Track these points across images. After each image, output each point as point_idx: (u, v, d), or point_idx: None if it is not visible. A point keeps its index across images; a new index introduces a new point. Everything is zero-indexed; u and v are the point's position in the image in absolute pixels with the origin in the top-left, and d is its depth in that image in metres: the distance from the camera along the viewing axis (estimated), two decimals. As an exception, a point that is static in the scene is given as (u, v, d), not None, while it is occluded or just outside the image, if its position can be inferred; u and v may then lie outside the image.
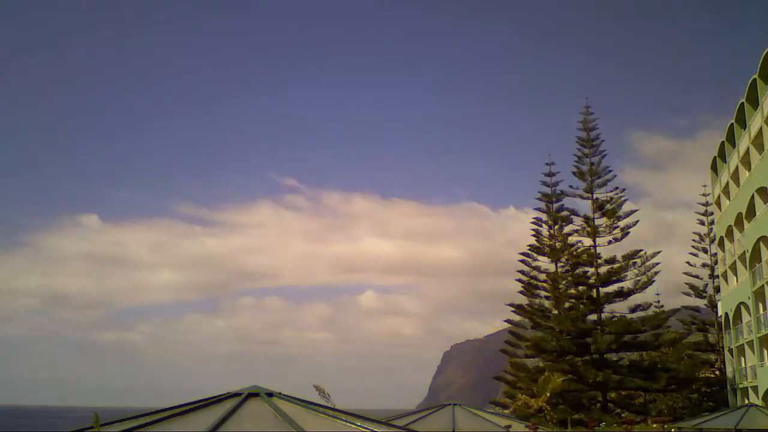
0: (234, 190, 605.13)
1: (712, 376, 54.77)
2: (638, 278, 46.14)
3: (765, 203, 39.45)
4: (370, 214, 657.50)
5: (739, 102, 43.81)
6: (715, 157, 52.39)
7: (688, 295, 57.78)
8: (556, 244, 48.55)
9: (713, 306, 56.53)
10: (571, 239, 48.45)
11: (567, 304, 47.02)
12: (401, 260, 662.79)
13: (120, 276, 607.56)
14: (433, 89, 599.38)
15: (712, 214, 56.12)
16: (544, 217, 49.66)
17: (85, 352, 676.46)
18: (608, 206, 47.75)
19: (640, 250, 46.47)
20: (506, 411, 37.16)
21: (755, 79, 39.66)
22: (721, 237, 51.28)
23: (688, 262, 57.93)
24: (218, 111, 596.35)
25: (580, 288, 47.37)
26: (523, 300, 48.80)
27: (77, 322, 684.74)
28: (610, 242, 47.70)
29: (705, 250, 57.62)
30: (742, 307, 45.24)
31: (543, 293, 48.30)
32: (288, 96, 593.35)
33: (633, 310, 46.53)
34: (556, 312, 47.05)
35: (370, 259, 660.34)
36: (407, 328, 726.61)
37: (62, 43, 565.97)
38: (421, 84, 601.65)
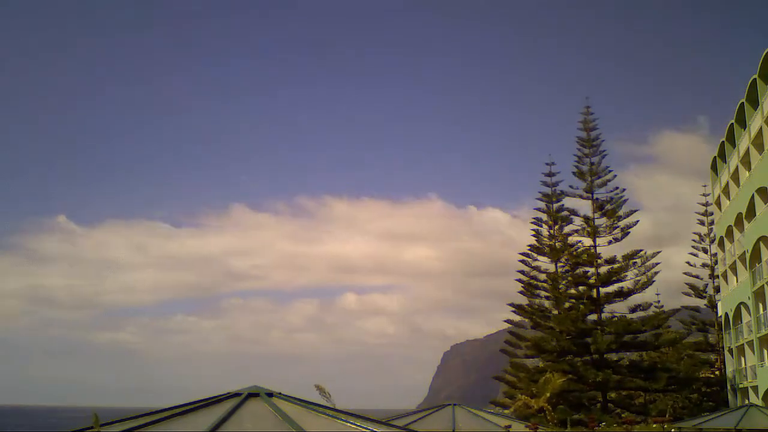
0: (213, 194, 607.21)
1: (712, 376, 54.75)
2: (638, 278, 46.16)
3: (765, 203, 39.43)
4: (354, 215, 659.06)
5: (739, 102, 43.78)
6: (715, 157, 52.35)
7: (688, 295, 57.80)
8: (556, 244, 48.50)
9: (713, 306, 56.47)
10: (571, 239, 48.45)
11: (567, 304, 46.97)
12: (392, 260, 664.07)
13: (106, 277, 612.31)
14: (433, 89, 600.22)
15: (712, 214, 56.08)
16: (544, 217, 49.66)
17: (81, 352, 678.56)
18: (608, 206, 47.74)
19: (640, 250, 46.52)
20: (506, 411, 37.14)
21: (755, 79, 39.64)
22: (721, 237, 51.25)
23: (688, 262, 57.98)
24: (196, 115, 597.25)
25: (580, 288, 47.34)
26: (523, 300, 48.82)
27: (69, 323, 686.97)
28: (610, 242, 47.73)
29: (705, 250, 57.60)
30: (742, 307, 45.21)
31: (543, 293, 48.29)
32: (275, 99, 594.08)
33: (633, 310, 46.54)
34: (556, 312, 46.99)
35: (361, 259, 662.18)
36: (407, 328, 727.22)
37: (62, 43, 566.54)
38: (421, 84, 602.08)
